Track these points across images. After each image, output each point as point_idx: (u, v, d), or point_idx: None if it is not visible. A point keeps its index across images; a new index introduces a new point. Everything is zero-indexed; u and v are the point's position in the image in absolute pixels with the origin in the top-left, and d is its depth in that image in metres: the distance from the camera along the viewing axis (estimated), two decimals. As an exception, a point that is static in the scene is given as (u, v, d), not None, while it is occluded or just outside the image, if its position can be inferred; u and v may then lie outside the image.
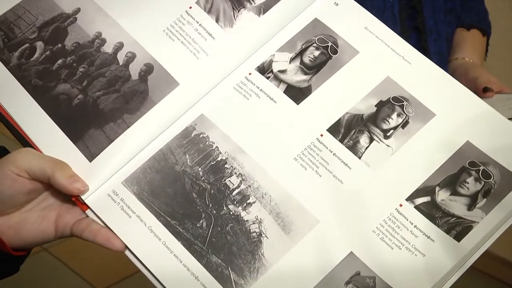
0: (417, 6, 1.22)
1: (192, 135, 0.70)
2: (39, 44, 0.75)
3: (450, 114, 0.71)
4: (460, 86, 0.73)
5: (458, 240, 0.65)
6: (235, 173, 0.68)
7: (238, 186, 0.68)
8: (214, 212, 0.67)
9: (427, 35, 1.23)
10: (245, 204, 0.67)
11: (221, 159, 0.69)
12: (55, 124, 0.70)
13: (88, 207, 0.68)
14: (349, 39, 0.74)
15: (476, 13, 1.33)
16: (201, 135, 0.70)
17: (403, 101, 0.71)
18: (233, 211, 0.67)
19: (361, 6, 0.76)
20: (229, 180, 0.68)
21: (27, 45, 0.75)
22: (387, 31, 0.75)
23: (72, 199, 0.68)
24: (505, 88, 1.16)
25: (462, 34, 1.30)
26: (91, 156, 0.69)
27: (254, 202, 0.67)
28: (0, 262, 0.69)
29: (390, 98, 0.71)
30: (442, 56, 1.27)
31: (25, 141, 0.71)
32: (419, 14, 1.22)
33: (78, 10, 0.76)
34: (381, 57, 0.74)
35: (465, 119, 0.71)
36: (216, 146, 0.69)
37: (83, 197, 0.68)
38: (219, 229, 0.66)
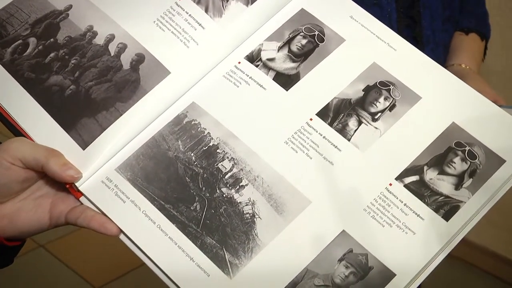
0: (416, 16, 1.21)
1: (184, 122, 0.71)
2: (32, 40, 0.76)
3: (436, 97, 0.73)
4: (444, 71, 0.75)
5: (447, 219, 0.66)
6: (227, 157, 0.69)
7: (231, 170, 0.69)
8: (208, 195, 0.68)
9: (424, 45, 1.23)
10: (237, 187, 0.68)
11: (213, 144, 0.70)
12: (48, 114, 0.71)
13: (82, 194, 0.68)
14: (335, 27, 0.76)
15: (475, 16, 1.32)
16: (192, 122, 0.71)
17: (390, 85, 0.73)
18: (226, 194, 0.68)
19: None
20: (222, 164, 0.69)
21: (20, 41, 0.76)
22: (372, 20, 0.77)
23: (66, 186, 0.69)
24: (499, 99, 1.16)
25: (460, 38, 1.29)
26: (84, 144, 0.70)
27: (246, 185, 0.68)
28: (-5, 253, 0.70)
29: (377, 82, 0.73)
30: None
31: (18, 132, 0.71)
32: (417, 24, 1.21)
33: (70, 7, 0.77)
34: (367, 44, 0.75)
35: (450, 101, 0.72)
36: (208, 132, 0.71)
37: (77, 184, 0.68)
38: (213, 211, 0.67)
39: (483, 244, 2.37)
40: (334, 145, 0.70)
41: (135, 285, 2.29)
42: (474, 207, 0.67)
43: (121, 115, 0.71)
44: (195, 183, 0.68)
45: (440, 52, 1.26)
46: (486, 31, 1.33)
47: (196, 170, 0.69)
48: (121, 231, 0.67)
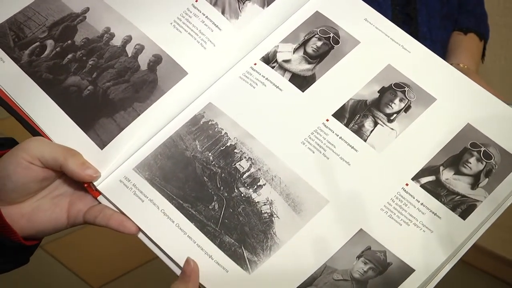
0: (412, 13, 1.22)
1: (201, 122, 0.72)
2: (50, 42, 0.77)
3: (450, 98, 0.73)
4: (458, 73, 0.76)
5: (464, 218, 0.67)
6: (245, 157, 0.70)
7: (248, 170, 0.69)
8: (226, 194, 0.68)
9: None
10: (255, 187, 0.68)
11: (230, 145, 0.70)
12: (66, 115, 0.72)
13: (100, 193, 0.69)
14: (350, 30, 0.77)
15: (474, 16, 1.31)
16: (209, 122, 0.72)
17: (405, 87, 0.73)
18: (244, 193, 0.68)
19: None
20: (239, 164, 0.69)
21: (37, 43, 0.76)
22: (386, 22, 0.78)
23: (84, 185, 0.69)
24: (496, 95, 1.16)
25: (458, 38, 1.29)
26: (102, 144, 0.70)
27: (264, 185, 0.68)
28: (11, 252, 0.70)
29: (392, 84, 0.74)
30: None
31: (36, 132, 0.72)
32: (413, 21, 1.22)
33: (87, 9, 0.78)
34: (382, 46, 0.76)
35: (465, 103, 0.73)
36: (225, 132, 0.71)
37: (95, 183, 0.69)
38: (231, 210, 0.67)
39: (482, 244, 2.37)
40: (350, 146, 0.70)
41: (134, 285, 2.28)
42: (490, 206, 0.68)
43: (139, 115, 0.71)
44: (213, 183, 0.68)
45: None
46: (485, 31, 1.32)
47: (214, 170, 0.69)
48: (140, 230, 0.67)
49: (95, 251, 2.37)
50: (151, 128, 0.71)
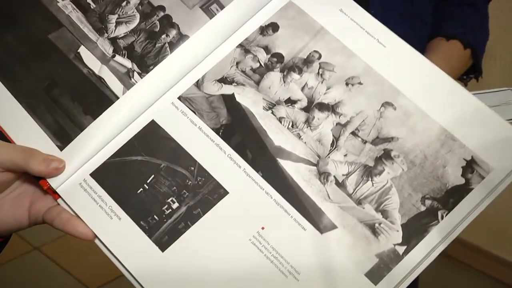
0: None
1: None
2: None
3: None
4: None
5: None
6: None
7: None
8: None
9: None
10: None
11: None
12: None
13: (60, 196, 0.69)
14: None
15: (462, 24, 1.25)
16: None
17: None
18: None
19: None
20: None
21: None
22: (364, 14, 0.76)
23: (44, 188, 0.69)
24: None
25: (438, 43, 1.22)
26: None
27: None
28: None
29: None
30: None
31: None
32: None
33: None
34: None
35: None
36: None
37: (54, 186, 0.69)
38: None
39: (476, 243, 2.37)
40: None
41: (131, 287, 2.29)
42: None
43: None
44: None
45: None
46: (473, 40, 1.24)
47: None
48: (96, 236, 0.67)
49: (92, 253, 2.38)
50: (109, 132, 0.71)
